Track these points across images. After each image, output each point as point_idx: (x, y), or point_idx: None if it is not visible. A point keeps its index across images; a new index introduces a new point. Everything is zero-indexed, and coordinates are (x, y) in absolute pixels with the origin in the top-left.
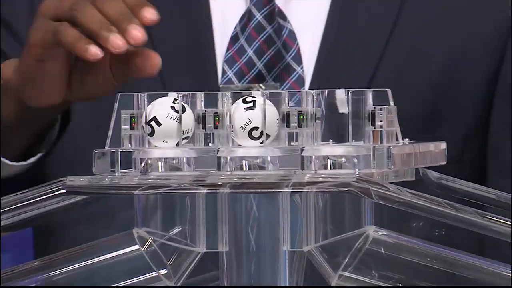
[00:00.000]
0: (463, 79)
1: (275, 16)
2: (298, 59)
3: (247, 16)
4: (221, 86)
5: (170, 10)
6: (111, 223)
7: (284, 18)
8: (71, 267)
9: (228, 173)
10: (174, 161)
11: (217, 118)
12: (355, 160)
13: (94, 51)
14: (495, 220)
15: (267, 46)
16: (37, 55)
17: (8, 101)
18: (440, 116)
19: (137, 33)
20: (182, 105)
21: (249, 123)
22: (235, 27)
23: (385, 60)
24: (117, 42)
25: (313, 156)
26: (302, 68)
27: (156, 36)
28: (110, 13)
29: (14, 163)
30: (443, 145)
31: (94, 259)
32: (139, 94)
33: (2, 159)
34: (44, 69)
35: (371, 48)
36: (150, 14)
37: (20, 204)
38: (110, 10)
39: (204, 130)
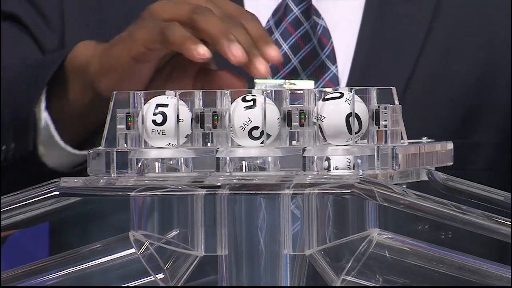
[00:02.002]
0: (498, 85)
1: (311, 12)
2: (332, 57)
3: (282, 10)
4: (255, 81)
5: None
6: (106, 225)
7: (318, 15)
8: (65, 271)
9: (228, 174)
10: (171, 162)
11: (216, 117)
12: (359, 161)
13: (203, 51)
14: (503, 222)
15: (303, 43)
16: (138, 54)
17: (79, 84)
18: (475, 122)
19: (261, 66)
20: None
21: (249, 123)
22: (268, 21)
23: (423, 60)
24: (237, 51)
25: (315, 157)
26: (336, 67)
27: None
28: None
29: (77, 152)
30: (450, 145)
31: (89, 263)
32: (135, 92)
33: (64, 145)
34: (135, 68)
35: (408, 47)
36: (274, 51)
37: (12, 206)
38: (236, 34)
39: (202, 129)
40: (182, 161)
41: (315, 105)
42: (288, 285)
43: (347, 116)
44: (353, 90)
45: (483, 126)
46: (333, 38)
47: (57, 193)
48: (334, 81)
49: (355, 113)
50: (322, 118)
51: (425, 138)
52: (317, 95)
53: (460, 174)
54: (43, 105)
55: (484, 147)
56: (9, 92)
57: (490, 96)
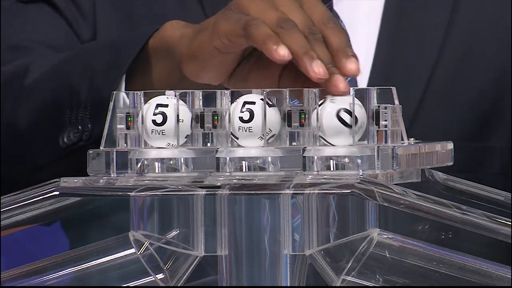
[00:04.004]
0: None
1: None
2: None
3: None
4: None
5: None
6: (106, 225)
7: (337, 17)
8: (65, 271)
9: (228, 174)
10: (171, 162)
11: (216, 117)
12: (359, 161)
13: (283, 53)
14: (503, 222)
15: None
16: (220, 45)
17: (165, 64)
18: (491, 126)
19: (339, 84)
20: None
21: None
22: None
23: (440, 63)
24: (319, 69)
25: (315, 157)
26: None
27: None
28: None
29: None
30: (450, 145)
31: (89, 263)
32: (135, 92)
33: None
34: (219, 57)
35: (427, 50)
36: (353, 65)
37: (12, 206)
38: (317, 51)
39: (202, 129)
40: (182, 161)
41: (315, 105)
42: (288, 285)
43: (337, 112)
44: (353, 90)
45: (499, 131)
46: (352, 40)
47: (57, 193)
48: (353, 83)
49: (346, 109)
50: (319, 126)
51: (412, 139)
52: (317, 95)
53: (475, 177)
54: (122, 86)
55: (500, 151)
56: (85, 72)
57: (507, 100)
